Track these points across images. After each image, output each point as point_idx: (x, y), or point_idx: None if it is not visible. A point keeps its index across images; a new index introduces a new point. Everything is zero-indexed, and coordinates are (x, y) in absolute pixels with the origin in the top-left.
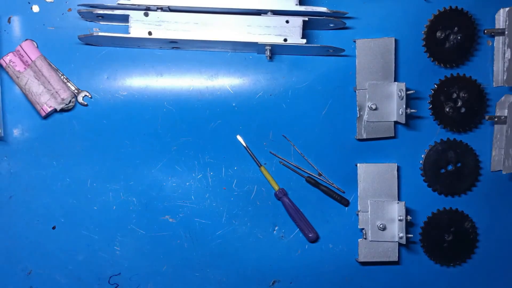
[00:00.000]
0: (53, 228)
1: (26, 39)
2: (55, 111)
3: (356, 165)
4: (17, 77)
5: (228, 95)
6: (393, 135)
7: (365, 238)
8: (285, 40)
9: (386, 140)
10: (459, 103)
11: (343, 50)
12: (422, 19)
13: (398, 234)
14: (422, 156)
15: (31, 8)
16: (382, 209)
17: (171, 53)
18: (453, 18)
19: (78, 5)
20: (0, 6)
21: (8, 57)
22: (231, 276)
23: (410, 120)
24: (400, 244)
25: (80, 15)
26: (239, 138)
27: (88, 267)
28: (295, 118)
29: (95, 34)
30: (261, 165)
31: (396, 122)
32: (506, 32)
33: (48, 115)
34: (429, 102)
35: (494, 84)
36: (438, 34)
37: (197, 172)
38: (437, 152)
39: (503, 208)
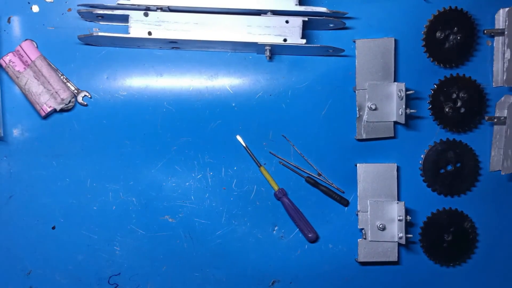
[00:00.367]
0: (53, 228)
1: (26, 39)
2: (54, 111)
3: (356, 165)
4: (17, 77)
5: (228, 95)
6: (392, 135)
7: (365, 238)
8: (285, 40)
9: (385, 140)
10: (458, 103)
11: (343, 50)
12: (422, 19)
13: (398, 234)
14: (422, 156)
15: (31, 8)
16: (381, 209)
17: (171, 53)
18: (452, 18)
19: (78, 5)
20: (0, 6)
21: (8, 57)
22: (231, 276)
23: (410, 120)
24: (399, 244)
25: (80, 15)
26: (238, 138)
27: (88, 267)
28: (295, 118)
29: (94, 34)
30: (260, 165)
31: (395, 122)
32: (506, 32)
33: (48, 115)
34: (428, 102)
35: (493, 84)
36: (438, 34)
37: (197, 172)
38: (437, 152)
39: (503, 208)
